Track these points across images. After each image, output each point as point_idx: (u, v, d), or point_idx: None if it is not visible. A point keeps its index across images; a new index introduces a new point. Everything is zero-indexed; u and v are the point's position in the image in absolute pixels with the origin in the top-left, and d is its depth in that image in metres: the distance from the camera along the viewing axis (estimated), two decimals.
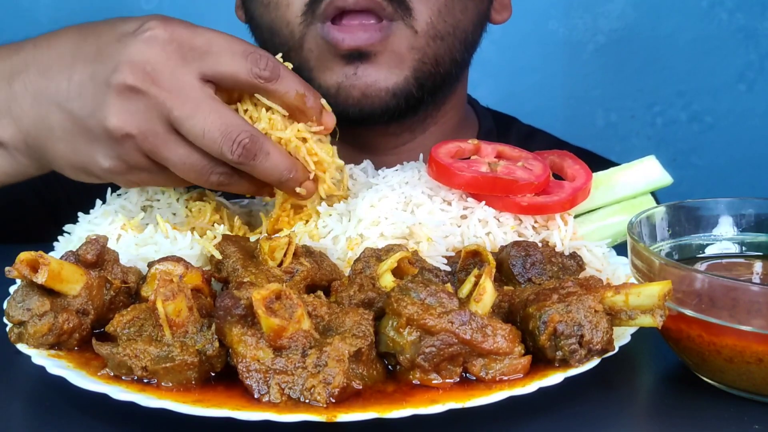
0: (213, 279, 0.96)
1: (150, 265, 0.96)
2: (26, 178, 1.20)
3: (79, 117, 1.07)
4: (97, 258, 0.94)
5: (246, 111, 1.08)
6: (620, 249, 1.11)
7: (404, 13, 1.30)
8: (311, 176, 1.10)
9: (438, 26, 1.33)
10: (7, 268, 0.89)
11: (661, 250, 0.98)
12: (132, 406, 0.79)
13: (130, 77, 1.03)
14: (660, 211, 0.99)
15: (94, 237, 0.95)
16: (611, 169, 1.14)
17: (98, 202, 1.16)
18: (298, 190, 1.08)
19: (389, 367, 0.85)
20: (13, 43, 1.18)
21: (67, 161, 1.10)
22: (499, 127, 1.63)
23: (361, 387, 0.80)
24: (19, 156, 1.15)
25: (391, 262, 0.92)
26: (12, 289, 0.98)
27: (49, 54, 1.12)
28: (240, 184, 1.08)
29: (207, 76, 1.04)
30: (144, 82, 1.02)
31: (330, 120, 1.13)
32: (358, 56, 1.30)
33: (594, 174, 1.12)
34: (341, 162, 1.15)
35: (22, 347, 0.89)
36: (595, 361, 0.84)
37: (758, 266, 0.99)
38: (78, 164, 1.10)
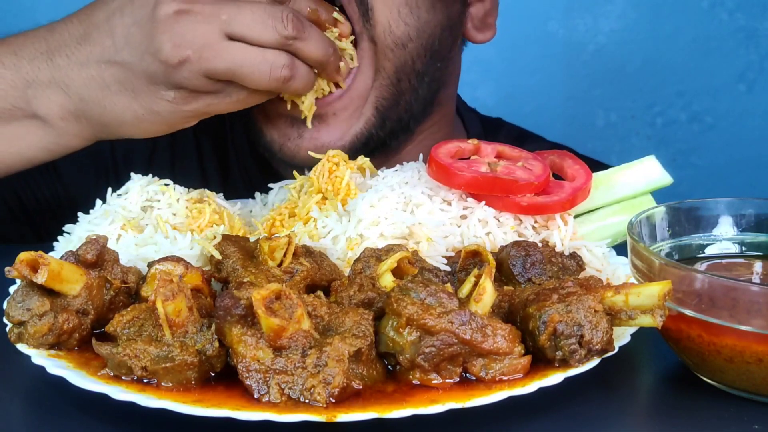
0: (213, 279, 0.96)
1: (150, 265, 0.96)
2: (67, 152, 1.23)
3: (132, 63, 1.12)
4: (97, 258, 0.94)
5: None
6: (620, 249, 1.11)
7: (365, 19, 1.23)
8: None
9: (396, 31, 1.24)
10: (7, 268, 0.89)
11: (661, 250, 0.98)
12: (132, 406, 0.79)
13: (172, 5, 1.09)
14: (660, 211, 0.99)
15: (94, 237, 0.95)
16: (611, 169, 1.14)
17: (98, 202, 1.16)
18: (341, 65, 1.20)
19: (389, 367, 0.85)
20: (42, 26, 1.22)
21: (130, 113, 1.15)
22: (486, 131, 1.57)
23: (361, 387, 0.80)
24: (66, 127, 1.18)
25: (391, 262, 0.92)
26: (12, 289, 0.98)
27: (81, 25, 1.17)
28: (300, 78, 1.14)
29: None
30: (185, 3, 1.10)
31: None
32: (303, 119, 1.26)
33: (594, 174, 1.12)
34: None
35: (22, 347, 0.89)
36: (595, 361, 0.84)
37: (758, 266, 0.99)
38: (142, 110, 1.14)
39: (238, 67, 1.10)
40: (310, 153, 1.21)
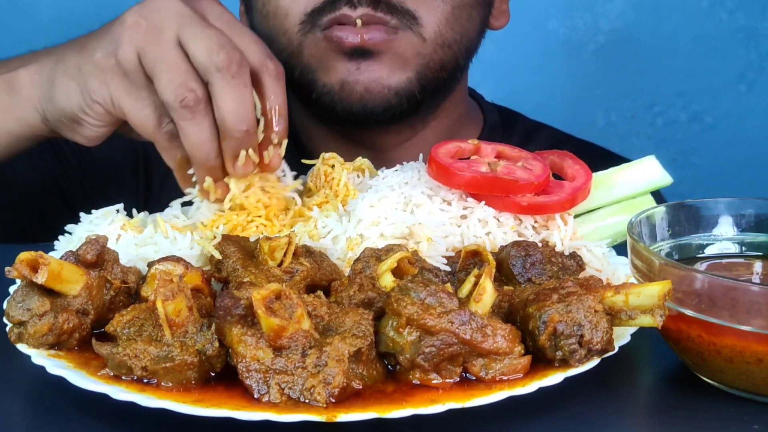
0: (213, 279, 0.96)
1: (150, 265, 0.96)
2: (34, 137, 1.24)
3: (93, 54, 1.11)
4: (97, 258, 0.94)
5: None
6: (620, 249, 1.11)
7: (411, 22, 1.33)
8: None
9: (446, 35, 1.37)
10: (7, 268, 0.89)
11: (661, 250, 0.98)
12: (132, 406, 0.79)
13: (134, 16, 1.08)
14: (660, 211, 0.99)
15: (94, 237, 0.95)
16: (611, 169, 1.14)
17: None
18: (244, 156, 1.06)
19: (389, 367, 0.85)
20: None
21: (72, 79, 1.13)
22: (504, 122, 1.65)
23: (361, 387, 0.80)
24: (30, 92, 1.19)
25: (391, 262, 0.92)
26: (12, 289, 0.98)
27: (58, 52, 1.18)
28: (202, 120, 1.04)
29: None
30: (150, 13, 1.07)
31: (276, 161, 1.11)
32: (360, 53, 1.33)
33: (594, 174, 1.12)
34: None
35: (22, 347, 0.89)
36: (595, 361, 0.84)
37: (758, 266, 0.99)
38: (79, 71, 1.12)
39: (161, 65, 1.06)
40: (303, 161, 1.22)
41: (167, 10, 1.08)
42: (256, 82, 1.08)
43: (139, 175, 1.56)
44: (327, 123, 1.48)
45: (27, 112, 1.20)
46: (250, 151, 1.06)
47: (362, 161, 1.21)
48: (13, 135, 1.24)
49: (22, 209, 1.50)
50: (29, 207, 1.51)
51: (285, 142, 1.10)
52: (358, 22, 1.31)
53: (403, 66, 1.35)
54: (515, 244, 1.00)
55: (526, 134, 1.63)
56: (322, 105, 1.39)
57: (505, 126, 1.64)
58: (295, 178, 1.20)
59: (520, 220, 1.07)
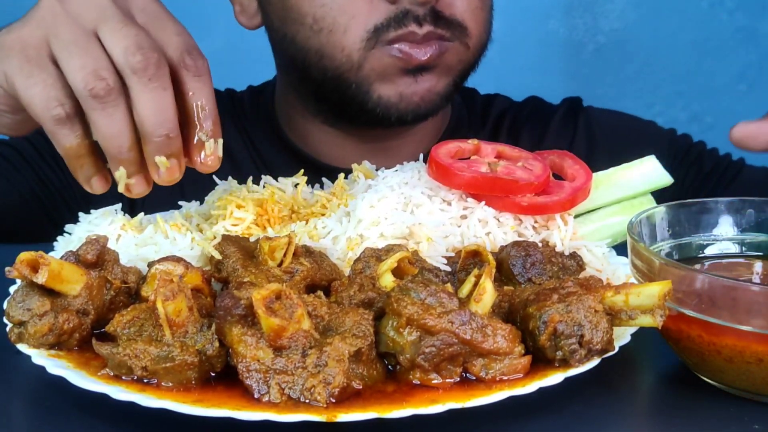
0: (213, 279, 0.96)
1: (150, 265, 0.96)
2: None
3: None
4: (97, 258, 0.94)
5: None
6: (620, 249, 1.11)
7: (461, 34, 1.39)
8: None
9: (484, 39, 1.46)
10: (7, 268, 0.89)
11: (661, 250, 0.98)
12: (132, 406, 0.79)
13: (51, 1, 1.01)
14: (660, 211, 0.99)
15: (94, 237, 0.95)
16: (611, 169, 1.14)
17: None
18: (157, 159, 0.98)
19: (389, 367, 0.85)
20: None
21: None
22: (464, 98, 1.72)
23: (361, 387, 0.80)
24: None
25: (391, 262, 0.92)
26: (12, 289, 0.98)
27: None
28: (113, 111, 0.97)
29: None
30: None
31: (213, 161, 1.03)
32: (420, 69, 1.38)
33: (594, 174, 1.12)
34: None
35: (22, 347, 0.89)
36: (595, 361, 0.84)
37: (758, 266, 0.99)
38: None
39: (66, 43, 0.99)
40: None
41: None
42: (177, 81, 1.01)
43: (42, 197, 1.55)
44: (353, 124, 1.51)
45: None
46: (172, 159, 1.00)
47: (363, 163, 1.23)
48: None
49: (2, 222, 1.49)
50: (10, 220, 1.50)
51: (220, 141, 1.02)
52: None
53: (448, 72, 1.42)
54: (515, 244, 1.00)
55: (483, 106, 1.73)
56: (377, 114, 1.42)
57: (465, 99, 1.71)
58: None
59: (520, 220, 1.07)
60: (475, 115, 1.69)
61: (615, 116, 1.76)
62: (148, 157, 0.99)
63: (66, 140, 0.99)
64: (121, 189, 1.01)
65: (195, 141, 1.01)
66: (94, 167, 1.02)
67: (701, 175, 1.64)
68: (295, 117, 1.58)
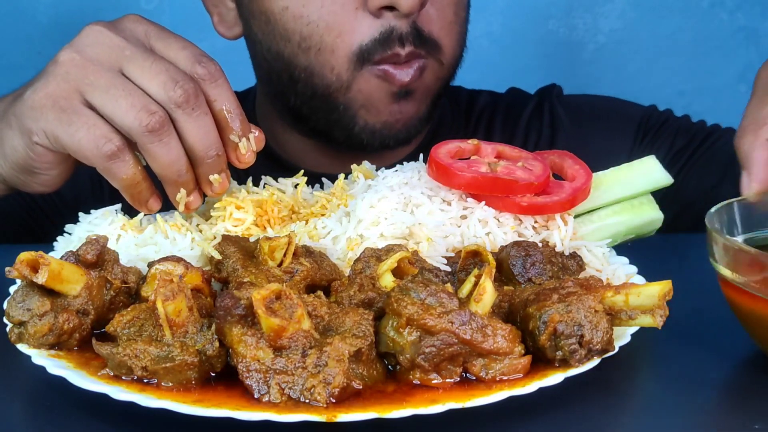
0: (213, 279, 0.96)
1: (150, 265, 0.96)
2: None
3: (27, 97, 1.09)
4: (97, 258, 0.94)
5: None
6: (620, 249, 1.11)
7: (436, 51, 1.37)
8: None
9: (458, 54, 1.44)
10: (7, 268, 0.89)
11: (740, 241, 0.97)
12: (132, 406, 0.79)
13: (68, 52, 1.08)
14: (736, 204, 0.98)
15: (94, 237, 0.95)
16: (611, 169, 1.14)
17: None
18: (211, 178, 1.07)
19: (389, 367, 0.85)
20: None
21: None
22: (450, 96, 1.70)
23: (361, 387, 0.80)
24: None
25: (391, 262, 0.92)
26: (12, 289, 0.98)
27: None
28: (169, 140, 1.04)
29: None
30: (84, 47, 1.08)
31: (250, 156, 1.11)
32: (404, 94, 1.37)
33: (594, 174, 1.12)
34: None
35: (22, 347, 0.89)
36: (595, 361, 0.84)
37: None
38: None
39: (113, 89, 1.05)
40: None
41: (101, 43, 1.07)
42: None
43: (104, 193, 1.55)
44: (330, 145, 1.51)
45: None
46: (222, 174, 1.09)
47: (363, 164, 1.23)
48: None
49: None
50: None
51: (251, 135, 1.09)
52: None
53: (427, 94, 1.42)
54: (515, 244, 1.00)
55: (467, 102, 1.71)
56: (359, 140, 1.42)
57: (450, 97, 1.69)
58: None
59: (520, 220, 1.07)
60: (459, 112, 1.68)
61: (586, 99, 1.74)
62: (201, 177, 1.08)
63: (121, 172, 1.05)
64: (180, 209, 1.09)
65: (229, 143, 1.08)
66: (149, 190, 1.09)
67: (674, 149, 1.60)
68: (275, 126, 1.57)
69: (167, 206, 1.12)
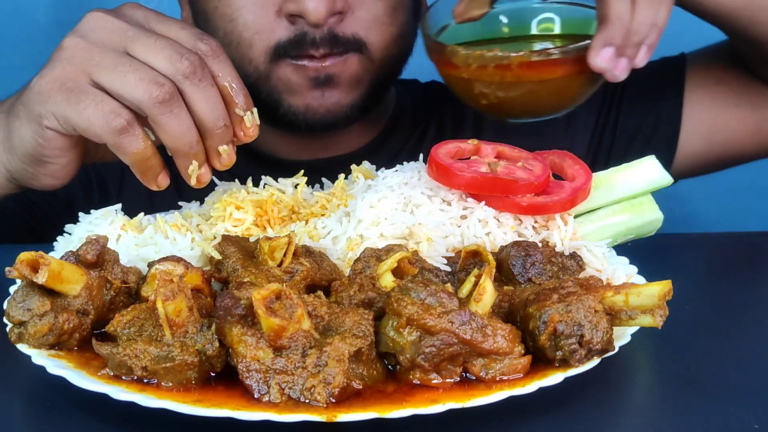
0: (213, 279, 0.97)
1: (150, 265, 0.96)
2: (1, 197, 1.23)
3: (33, 85, 1.10)
4: (97, 258, 0.94)
5: None
6: (620, 249, 1.11)
7: (359, 46, 1.42)
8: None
9: (392, 51, 1.47)
10: (7, 268, 0.89)
11: None
12: (132, 406, 0.79)
13: (71, 39, 1.08)
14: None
15: (94, 237, 0.95)
16: (611, 169, 1.14)
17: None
18: (220, 149, 1.07)
19: (389, 367, 0.85)
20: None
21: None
22: (404, 87, 1.75)
23: (361, 387, 0.80)
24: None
25: (391, 262, 0.92)
26: (12, 289, 0.98)
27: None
28: (179, 111, 1.04)
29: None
30: (87, 32, 1.08)
31: (254, 130, 1.12)
32: (324, 81, 1.42)
33: (594, 174, 1.12)
34: None
35: (22, 347, 0.89)
36: (595, 361, 0.84)
37: None
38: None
39: (120, 66, 1.05)
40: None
41: (103, 27, 1.07)
42: None
43: (94, 195, 1.58)
44: (287, 131, 1.55)
45: None
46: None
47: (363, 164, 1.23)
48: None
49: None
50: None
51: (254, 110, 1.10)
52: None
53: (356, 85, 1.45)
54: (515, 244, 1.00)
55: (423, 93, 1.75)
56: (287, 120, 1.47)
57: (407, 89, 1.74)
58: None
59: (520, 220, 1.07)
60: (418, 102, 1.72)
61: None
62: (210, 149, 1.07)
63: (132, 146, 1.05)
64: (192, 182, 1.08)
65: (234, 116, 1.09)
66: (160, 165, 1.08)
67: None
68: None
69: (171, 200, 1.11)
